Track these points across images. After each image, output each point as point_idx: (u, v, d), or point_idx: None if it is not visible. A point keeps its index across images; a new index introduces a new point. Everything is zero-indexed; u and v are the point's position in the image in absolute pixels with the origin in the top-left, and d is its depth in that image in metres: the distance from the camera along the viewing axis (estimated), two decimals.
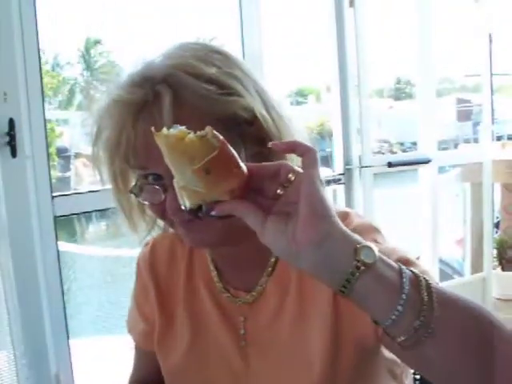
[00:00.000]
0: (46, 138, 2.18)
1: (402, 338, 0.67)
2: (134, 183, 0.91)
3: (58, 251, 2.25)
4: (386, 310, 0.67)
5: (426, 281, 0.70)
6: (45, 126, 2.17)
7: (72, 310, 2.25)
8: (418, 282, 0.69)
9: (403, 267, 0.69)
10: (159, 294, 1.06)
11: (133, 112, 0.83)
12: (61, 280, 2.27)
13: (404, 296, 0.66)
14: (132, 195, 0.93)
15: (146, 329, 1.09)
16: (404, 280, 0.68)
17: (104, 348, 4.14)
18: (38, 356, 2.20)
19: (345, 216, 0.94)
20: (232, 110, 0.84)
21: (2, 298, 2.09)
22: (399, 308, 0.66)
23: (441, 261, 3.92)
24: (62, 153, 13.17)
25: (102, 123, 0.88)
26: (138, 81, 0.85)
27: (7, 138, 2.08)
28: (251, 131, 0.87)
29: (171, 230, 1.03)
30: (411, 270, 0.70)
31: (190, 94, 0.83)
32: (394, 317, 0.66)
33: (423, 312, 0.67)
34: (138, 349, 1.15)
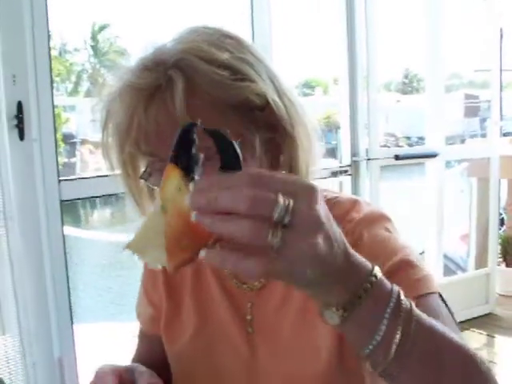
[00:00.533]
0: (54, 121, 2.18)
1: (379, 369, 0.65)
2: (143, 168, 0.91)
3: (63, 235, 2.25)
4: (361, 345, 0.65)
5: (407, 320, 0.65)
6: (53, 109, 2.17)
7: (75, 296, 2.26)
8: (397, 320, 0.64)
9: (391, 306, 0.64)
10: (167, 281, 1.05)
11: (144, 97, 0.82)
12: (66, 264, 2.27)
13: (378, 338, 0.63)
14: (142, 180, 0.93)
15: (153, 314, 1.09)
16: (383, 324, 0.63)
17: (106, 334, 4.16)
18: (42, 340, 2.21)
19: (353, 204, 0.94)
20: (244, 95, 0.83)
21: (9, 283, 2.10)
22: (370, 347, 0.64)
23: (445, 256, 3.92)
24: (69, 139, 13.20)
25: (113, 108, 0.87)
26: (149, 65, 0.84)
27: (15, 121, 2.09)
28: (263, 117, 0.86)
29: None
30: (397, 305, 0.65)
31: (203, 79, 0.82)
32: (367, 351, 0.64)
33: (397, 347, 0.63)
34: (143, 334, 1.15)
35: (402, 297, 0.65)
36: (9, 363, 2.13)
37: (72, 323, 2.31)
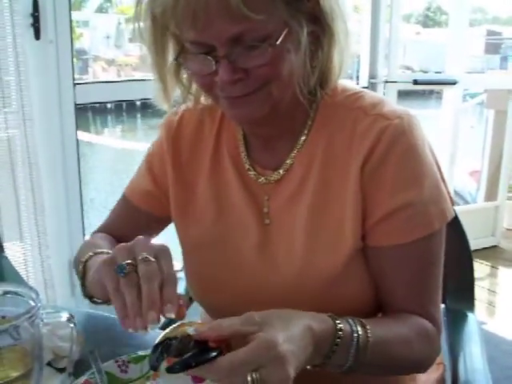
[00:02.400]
0: (70, 21, 2.14)
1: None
2: (176, 51, 0.89)
3: (77, 140, 2.25)
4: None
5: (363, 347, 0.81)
6: (69, 9, 2.12)
7: (86, 205, 2.28)
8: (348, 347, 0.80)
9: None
10: (178, 166, 1.05)
11: None
12: (79, 169, 2.29)
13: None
14: (172, 63, 0.92)
15: (152, 191, 1.09)
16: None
17: None
18: (55, 243, 2.25)
19: (380, 99, 0.94)
20: None
21: (28, 186, 2.11)
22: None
23: (454, 191, 3.91)
24: (81, 55, 13.00)
25: None
26: None
27: (31, 20, 2.05)
28: (307, 8, 0.85)
29: (202, 103, 1.03)
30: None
31: None
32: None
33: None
34: (129, 203, 1.13)
35: (360, 332, 0.81)
36: (27, 265, 2.19)
37: (83, 225, 2.35)
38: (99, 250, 0.99)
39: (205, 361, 0.70)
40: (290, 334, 0.72)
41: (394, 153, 0.89)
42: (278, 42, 0.82)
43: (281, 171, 0.97)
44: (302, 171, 0.96)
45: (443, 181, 0.95)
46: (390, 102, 0.95)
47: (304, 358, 0.73)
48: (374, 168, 0.89)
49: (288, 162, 0.97)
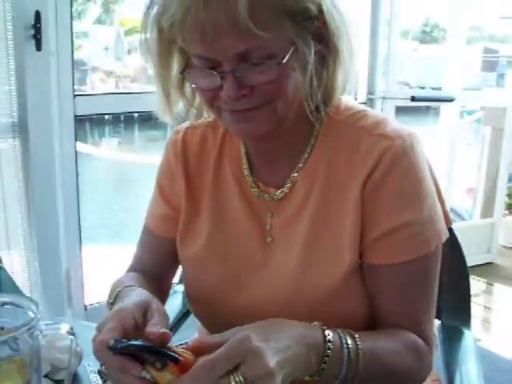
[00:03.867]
0: (72, 33, 2.15)
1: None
2: (182, 64, 0.91)
3: (75, 151, 2.26)
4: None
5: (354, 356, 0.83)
6: (71, 21, 2.13)
7: (83, 213, 2.28)
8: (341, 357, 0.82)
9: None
10: (188, 183, 1.05)
11: None
12: (77, 179, 2.29)
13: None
14: (177, 76, 0.93)
15: (168, 213, 1.08)
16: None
17: (110, 254, 4.22)
18: (51, 253, 2.25)
19: (382, 119, 0.95)
20: (304, 3, 0.83)
21: (22, 196, 2.11)
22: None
23: (450, 208, 3.91)
24: (80, 66, 13.01)
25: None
26: None
27: (32, 31, 2.05)
28: (314, 27, 0.86)
29: (204, 119, 1.04)
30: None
31: None
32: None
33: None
34: (150, 233, 1.12)
35: (350, 342, 0.83)
36: (24, 271, 2.18)
37: (81, 236, 2.35)
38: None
39: (147, 349, 0.70)
40: (265, 331, 0.74)
41: (394, 173, 0.90)
42: (283, 61, 0.83)
43: (284, 190, 0.98)
44: (305, 188, 0.96)
45: (441, 200, 0.96)
46: (393, 121, 0.95)
47: (296, 365, 0.75)
48: (374, 187, 0.90)
49: (291, 179, 0.97)
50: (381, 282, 0.93)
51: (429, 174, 0.94)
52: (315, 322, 0.83)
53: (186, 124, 1.08)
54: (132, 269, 1.12)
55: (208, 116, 1.03)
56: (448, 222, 0.98)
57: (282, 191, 0.98)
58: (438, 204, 0.95)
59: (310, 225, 0.94)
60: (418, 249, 0.92)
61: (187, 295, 1.07)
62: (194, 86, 0.93)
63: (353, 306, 0.94)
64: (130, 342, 0.73)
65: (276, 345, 0.73)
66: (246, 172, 1.02)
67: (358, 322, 0.93)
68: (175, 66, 0.93)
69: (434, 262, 0.94)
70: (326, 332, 0.81)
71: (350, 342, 0.83)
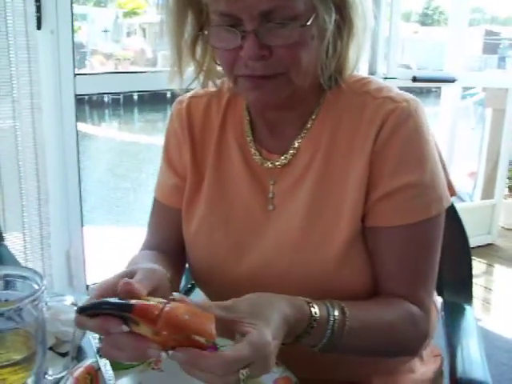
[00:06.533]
0: (72, 12, 2.13)
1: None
2: (200, 23, 0.91)
3: (76, 130, 2.25)
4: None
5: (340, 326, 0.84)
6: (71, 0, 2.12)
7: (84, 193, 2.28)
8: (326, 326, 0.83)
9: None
10: (193, 152, 1.05)
11: None
12: (78, 159, 2.28)
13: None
14: (190, 35, 0.93)
15: (177, 183, 1.07)
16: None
17: (109, 235, 4.24)
18: (54, 234, 2.25)
19: (387, 85, 0.96)
20: None
21: (34, 179, 2.12)
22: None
23: None
24: (79, 48, 12.96)
25: None
26: None
27: (33, 8, 2.04)
28: None
29: (210, 87, 1.04)
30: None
31: None
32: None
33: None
34: (161, 207, 1.11)
35: (337, 316, 0.83)
36: (26, 254, 2.19)
37: (82, 216, 2.35)
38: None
39: (108, 304, 0.68)
40: (275, 328, 0.73)
41: (399, 134, 0.90)
42: (308, 23, 0.83)
43: (287, 156, 0.98)
44: (308, 156, 0.96)
45: (445, 169, 0.96)
46: (396, 88, 0.96)
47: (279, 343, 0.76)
48: (382, 145, 0.91)
49: (295, 146, 0.98)
50: (381, 246, 0.93)
51: (432, 140, 0.95)
52: (301, 298, 0.82)
53: (189, 94, 1.07)
54: (145, 247, 1.11)
55: (213, 85, 1.03)
56: (452, 191, 0.97)
57: (286, 157, 0.98)
58: (441, 171, 0.95)
59: (312, 192, 0.95)
60: (418, 212, 0.91)
61: (190, 266, 1.07)
62: (213, 45, 0.92)
63: (354, 272, 0.94)
64: (92, 301, 0.70)
65: (277, 341, 0.73)
66: (249, 139, 1.02)
67: (358, 290, 0.93)
68: (190, 25, 0.93)
69: (434, 228, 0.94)
70: (313, 311, 0.81)
71: (337, 314, 0.83)
